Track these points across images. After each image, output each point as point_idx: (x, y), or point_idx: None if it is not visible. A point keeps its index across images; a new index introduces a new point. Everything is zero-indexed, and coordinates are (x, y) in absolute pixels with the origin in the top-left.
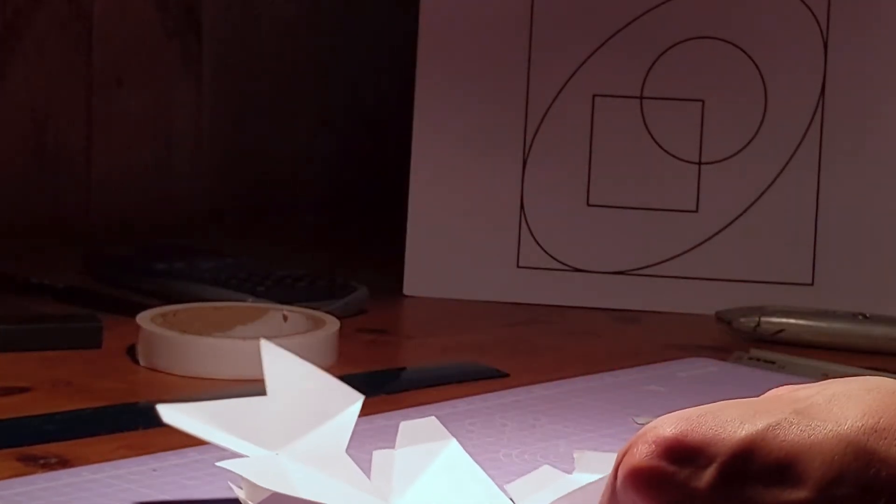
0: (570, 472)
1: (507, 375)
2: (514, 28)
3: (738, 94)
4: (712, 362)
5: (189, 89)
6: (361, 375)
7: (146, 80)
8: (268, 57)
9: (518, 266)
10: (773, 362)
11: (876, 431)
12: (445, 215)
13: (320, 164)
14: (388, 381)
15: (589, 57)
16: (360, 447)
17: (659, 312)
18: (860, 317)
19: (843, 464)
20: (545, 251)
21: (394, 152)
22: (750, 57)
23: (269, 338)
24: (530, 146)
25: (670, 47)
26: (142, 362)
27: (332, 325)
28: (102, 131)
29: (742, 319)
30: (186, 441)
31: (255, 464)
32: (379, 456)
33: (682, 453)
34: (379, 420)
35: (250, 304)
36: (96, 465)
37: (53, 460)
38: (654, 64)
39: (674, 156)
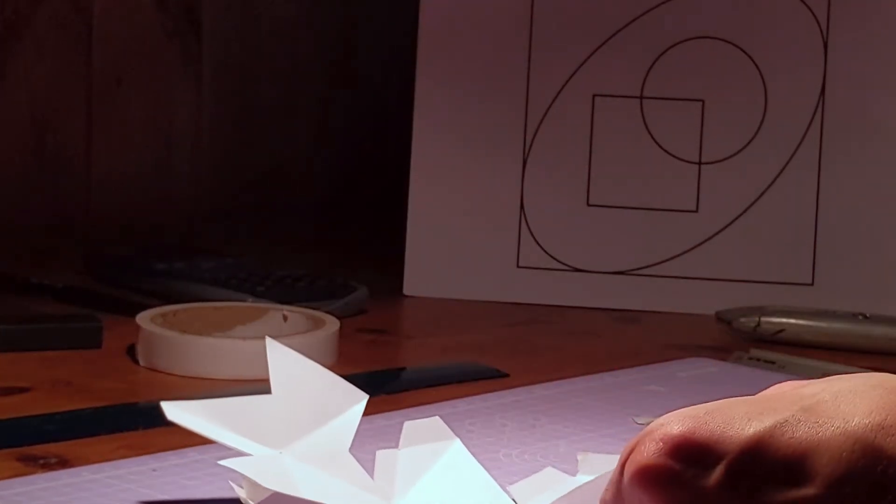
0: (571, 473)
1: (507, 375)
2: (514, 28)
3: (738, 94)
4: (712, 362)
5: (189, 89)
6: (361, 375)
7: (146, 80)
8: (268, 57)
9: (518, 266)
10: (773, 362)
11: (883, 428)
12: (445, 215)
13: (320, 164)
14: (388, 381)
15: (589, 57)
16: (361, 447)
17: (659, 312)
18: (860, 317)
19: (850, 461)
20: (545, 251)
21: (394, 152)
22: (750, 57)
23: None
24: (530, 146)
25: (670, 47)
26: (142, 362)
27: (332, 325)
28: (102, 131)
29: (742, 319)
30: (186, 441)
31: (257, 463)
32: (382, 456)
33: (690, 452)
34: (379, 420)
35: (250, 304)
36: (96, 465)
37: (53, 460)
38: (654, 64)
39: (674, 156)
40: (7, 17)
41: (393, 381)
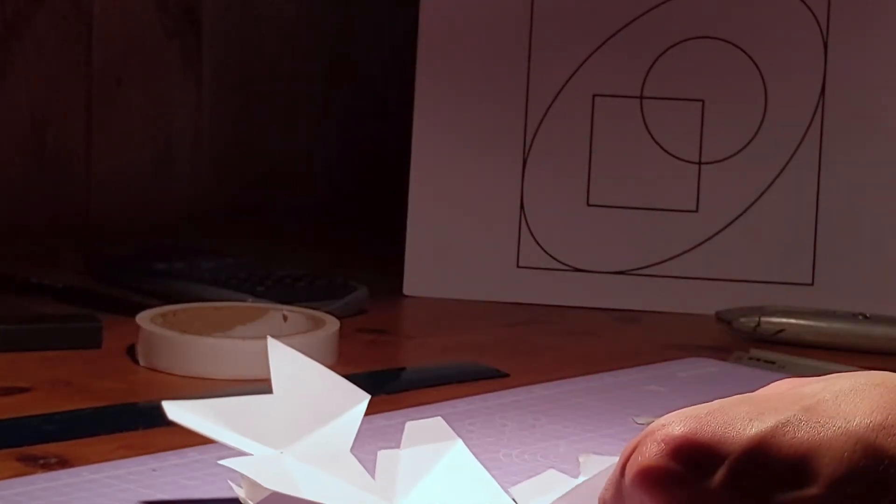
0: (571, 473)
1: (507, 375)
2: (514, 28)
3: (738, 94)
4: (712, 362)
5: (189, 89)
6: (361, 375)
7: (146, 79)
8: (268, 57)
9: (518, 266)
10: (773, 362)
11: (884, 428)
12: (445, 215)
13: (320, 164)
14: (388, 381)
15: (589, 57)
16: (361, 447)
17: (659, 312)
18: (860, 317)
19: (852, 461)
20: (545, 251)
21: (394, 152)
22: (750, 57)
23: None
24: (530, 146)
25: (670, 47)
26: (142, 362)
27: (332, 325)
28: (102, 131)
29: (742, 319)
30: (186, 441)
31: (257, 463)
32: (384, 456)
33: (692, 453)
34: (379, 420)
35: (250, 304)
36: (96, 465)
37: (53, 460)
38: (654, 64)
39: (674, 156)
40: (7, 17)
41: (393, 381)
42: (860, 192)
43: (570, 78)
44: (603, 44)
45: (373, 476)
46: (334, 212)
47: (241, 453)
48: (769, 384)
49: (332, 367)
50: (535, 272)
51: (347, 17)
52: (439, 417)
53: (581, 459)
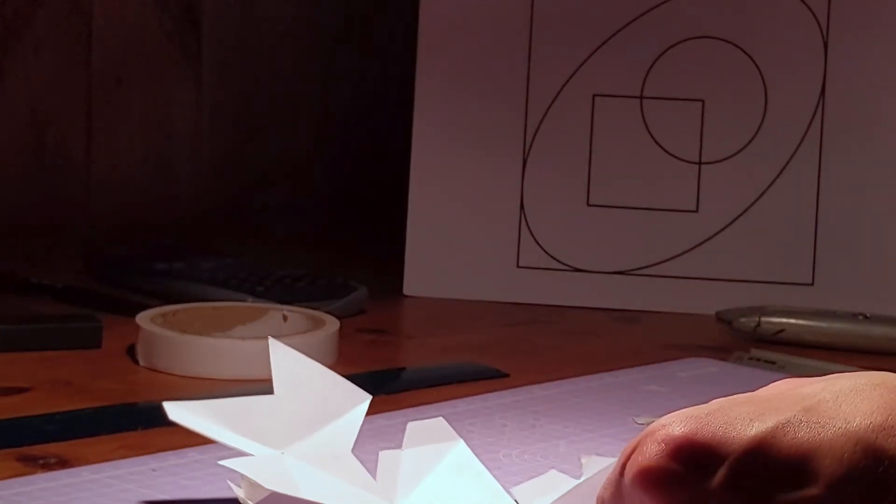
0: (571, 473)
1: (507, 375)
2: (514, 28)
3: (738, 94)
4: (712, 362)
5: (189, 89)
6: (361, 375)
7: (146, 79)
8: (268, 57)
9: (518, 266)
10: (773, 362)
11: (884, 429)
12: (445, 215)
13: (320, 164)
14: (388, 381)
15: (589, 57)
16: (361, 447)
17: (659, 312)
18: (860, 317)
19: (852, 462)
20: (545, 251)
21: (394, 152)
22: (750, 57)
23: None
24: (530, 146)
25: (670, 47)
26: (141, 362)
27: (332, 325)
28: (102, 131)
29: (742, 319)
30: (186, 441)
31: (257, 463)
32: (385, 456)
33: (693, 453)
34: (379, 420)
35: (250, 304)
36: (96, 465)
37: (53, 460)
38: (654, 64)
39: (674, 156)
40: (7, 17)
41: (393, 381)
42: (860, 192)
43: (570, 78)
44: (603, 44)
45: (374, 476)
46: (334, 212)
47: (241, 453)
48: (769, 384)
49: (332, 367)
50: (535, 272)
51: (347, 17)
52: (441, 418)
53: (583, 460)
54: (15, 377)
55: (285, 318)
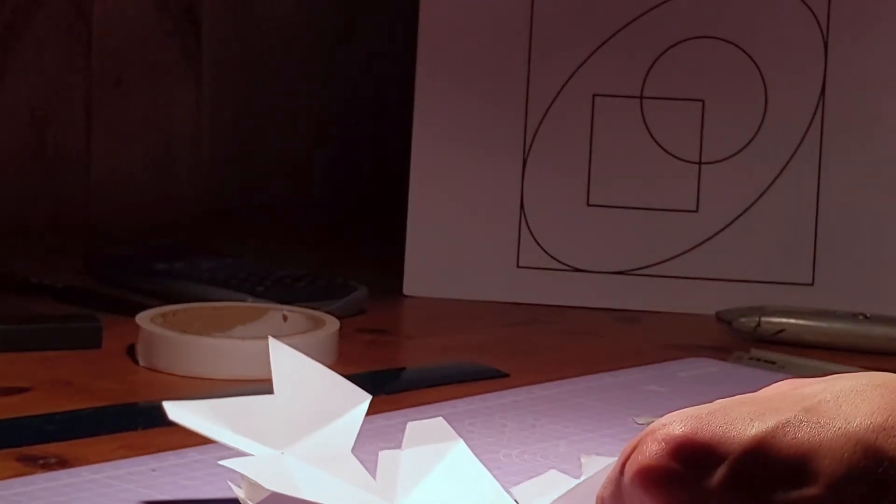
0: (571, 473)
1: (507, 375)
2: (514, 28)
3: (738, 94)
4: (712, 362)
5: (189, 89)
6: (361, 375)
7: (146, 80)
8: (268, 57)
9: (518, 266)
10: (773, 362)
11: (884, 430)
12: (445, 215)
13: (320, 163)
14: (388, 381)
15: (589, 57)
16: (360, 447)
17: (659, 312)
18: (860, 317)
19: (852, 462)
20: (545, 251)
21: (394, 152)
22: (750, 57)
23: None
24: (530, 146)
25: (670, 47)
26: (141, 362)
27: (332, 325)
28: (102, 131)
29: (742, 319)
30: (186, 441)
31: (257, 463)
32: (385, 456)
33: (693, 452)
34: (379, 420)
35: (250, 304)
36: (96, 466)
37: (53, 460)
38: (654, 64)
39: (674, 156)
40: (7, 17)
41: (393, 381)
42: (860, 192)
43: (570, 78)
44: (603, 44)
45: (374, 476)
46: (334, 212)
47: (241, 453)
48: (771, 385)
49: (332, 367)
50: (535, 272)
51: (347, 17)
52: (440, 418)
53: (583, 460)
54: (15, 377)
55: (285, 318)
